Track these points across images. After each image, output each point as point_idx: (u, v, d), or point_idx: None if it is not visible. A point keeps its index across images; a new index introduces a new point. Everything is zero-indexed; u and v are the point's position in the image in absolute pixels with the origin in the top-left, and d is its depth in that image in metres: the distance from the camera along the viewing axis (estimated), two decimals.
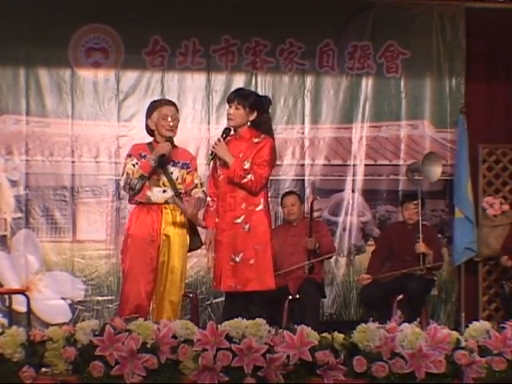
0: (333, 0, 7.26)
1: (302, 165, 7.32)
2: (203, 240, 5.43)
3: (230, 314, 4.76)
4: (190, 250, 5.44)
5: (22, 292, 6.62)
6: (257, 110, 5.34)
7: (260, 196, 5.30)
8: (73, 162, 7.05)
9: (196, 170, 5.42)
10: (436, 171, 6.89)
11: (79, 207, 7.06)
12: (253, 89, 6.91)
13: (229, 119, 5.36)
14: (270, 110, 5.49)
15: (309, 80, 7.35)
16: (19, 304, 6.66)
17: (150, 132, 5.39)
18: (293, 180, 7.30)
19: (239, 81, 7.23)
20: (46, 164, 7.03)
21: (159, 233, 5.24)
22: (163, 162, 5.24)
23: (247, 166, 5.24)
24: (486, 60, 7.50)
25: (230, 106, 5.36)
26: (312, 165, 7.32)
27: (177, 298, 5.29)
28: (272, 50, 7.27)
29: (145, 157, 5.25)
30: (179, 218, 5.28)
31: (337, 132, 7.37)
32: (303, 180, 7.31)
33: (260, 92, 6.80)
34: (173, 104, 5.41)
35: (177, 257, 5.27)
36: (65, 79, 7.07)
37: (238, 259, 5.22)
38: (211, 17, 7.06)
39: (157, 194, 5.24)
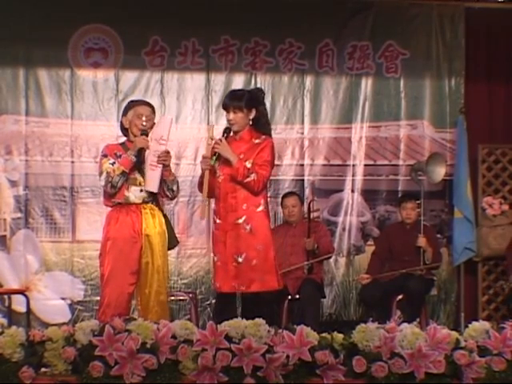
0: (332, 0, 7.27)
1: (302, 165, 7.32)
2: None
3: (223, 315, 4.75)
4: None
5: (21, 292, 6.62)
6: (254, 107, 5.33)
7: (260, 197, 5.30)
8: (72, 162, 7.05)
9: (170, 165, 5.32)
10: (440, 172, 6.90)
11: (79, 207, 7.05)
12: None
13: (231, 125, 5.31)
14: (264, 101, 5.47)
15: (308, 80, 7.35)
16: (19, 304, 6.66)
17: (124, 131, 5.36)
18: (292, 180, 7.30)
19: (239, 81, 7.23)
20: (46, 164, 7.03)
21: (141, 233, 5.19)
22: (142, 157, 5.23)
23: (249, 166, 5.23)
24: (486, 60, 7.51)
25: (227, 112, 5.32)
26: (311, 165, 7.32)
27: (165, 297, 5.28)
28: (271, 50, 7.27)
29: (120, 156, 5.22)
30: (158, 217, 5.27)
31: (336, 132, 7.37)
32: (303, 180, 7.31)
33: None
34: (150, 106, 5.36)
35: (160, 256, 5.24)
36: (64, 79, 7.07)
37: (240, 260, 5.21)
38: (211, 17, 7.06)
39: (134, 193, 5.22)
